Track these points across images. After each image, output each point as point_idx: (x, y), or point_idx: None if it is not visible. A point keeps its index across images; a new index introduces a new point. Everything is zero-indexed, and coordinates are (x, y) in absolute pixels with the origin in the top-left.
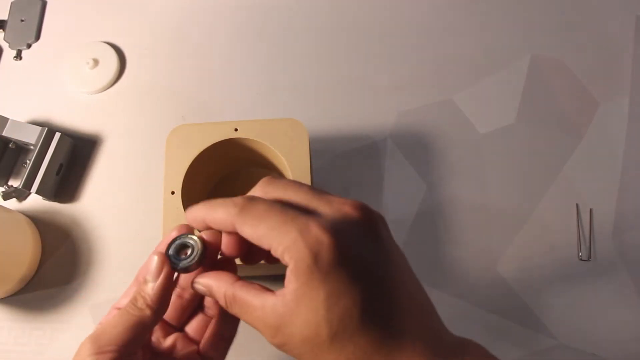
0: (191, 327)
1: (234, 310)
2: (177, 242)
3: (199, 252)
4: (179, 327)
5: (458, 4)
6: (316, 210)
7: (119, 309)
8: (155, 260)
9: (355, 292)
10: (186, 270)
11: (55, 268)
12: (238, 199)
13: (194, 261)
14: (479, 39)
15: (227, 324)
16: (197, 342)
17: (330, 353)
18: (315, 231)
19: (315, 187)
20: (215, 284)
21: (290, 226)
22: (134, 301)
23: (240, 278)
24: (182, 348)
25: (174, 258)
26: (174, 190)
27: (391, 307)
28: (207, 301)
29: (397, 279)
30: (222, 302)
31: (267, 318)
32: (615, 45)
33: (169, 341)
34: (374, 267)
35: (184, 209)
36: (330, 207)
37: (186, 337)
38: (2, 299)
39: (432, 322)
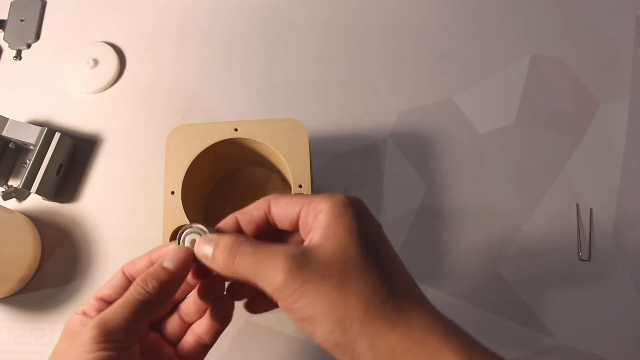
0: (167, 328)
1: (242, 255)
2: (189, 233)
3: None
4: (153, 326)
5: (458, 4)
6: None
7: (100, 299)
8: (181, 249)
9: (379, 232)
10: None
11: (55, 268)
12: None
13: None
14: (479, 39)
15: (210, 331)
16: (171, 344)
17: (359, 272)
18: (332, 194)
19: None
20: (223, 237)
21: (318, 194)
22: (143, 284)
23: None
24: (159, 347)
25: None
26: (173, 190)
27: (398, 259)
28: (185, 307)
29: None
30: (225, 253)
31: (287, 252)
32: (615, 45)
33: (150, 338)
34: (382, 231)
35: (184, 209)
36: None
37: (162, 337)
38: (2, 299)
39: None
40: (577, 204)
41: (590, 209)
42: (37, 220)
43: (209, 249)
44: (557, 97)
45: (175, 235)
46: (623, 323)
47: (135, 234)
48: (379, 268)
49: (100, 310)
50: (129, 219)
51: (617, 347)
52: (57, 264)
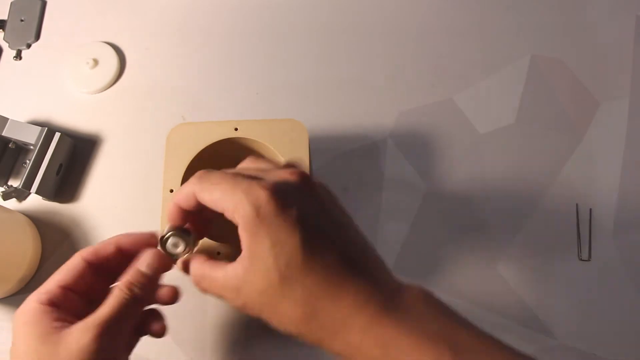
0: None
1: (203, 285)
2: (171, 237)
3: (190, 245)
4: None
5: (458, 4)
6: (263, 177)
7: (65, 287)
8: (154, 255)
9: (296, 237)
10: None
11: (55, 268)
12: (197, 172)
13: (187, 253)
14: (479, 39)
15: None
16: None
17: (283, 299)
18: (257, 190)
19: (275, 161)
20: (192, 266)
21: (237, 189)
22: (128, 291)
23: (210, 258)
24: None
25: (169, 251)
26: (173, 188)
27: (331, 251)
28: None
29: (334, 228)
30: (194, 281)
31: (228, 283)
32: (615, 45)
33: None
34: (311, 216)
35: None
36: (274, 175)
37: None
38: (2, 299)
39: (376, 268)
40: (576, 204)
41: (590, 209)
42: (37, 220)
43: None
44: (557, 97)
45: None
46: (623, 323)
47: None
48: (297, 289)
49: (66, 301)
50: (129, 219)
51: (617, 347)
52: (57, 264)
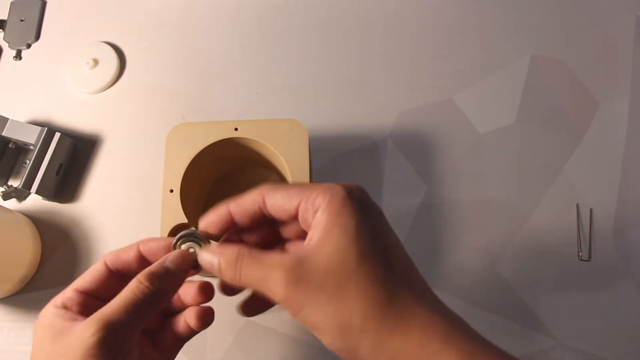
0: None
1: (243, 266)
2: (185, 241)
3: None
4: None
5: (458, 4)
6: None
7: (81, 291)
8: (182, 253)
9: (381, 223)
10: (194, 267)
11: (55, 268)
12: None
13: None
14: (479, 39)
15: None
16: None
17: (357, 277)
18: (339, 184)
19: None
20: (228, 247)
21: (317, 185)
22: (148, 282)
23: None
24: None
25: None
26: (172, 188)
27: (402, 251)
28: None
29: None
30: (227, 265)
31: (283, 261)
32: (615, 45)
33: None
34: (384, 219)
35: (183, 207)
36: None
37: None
38: (2, 299)
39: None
40: (577, 204)
41: (590, 209)
42: (37, 220)
43: (213, 259)
44: (557, 97)
45: (172, 234)
46: (623, 323)
47: (135, 233)
48: (378, 269)
49: (83, 305)
50: (129, 219)
51: (617, 347)
52: (57, 264)
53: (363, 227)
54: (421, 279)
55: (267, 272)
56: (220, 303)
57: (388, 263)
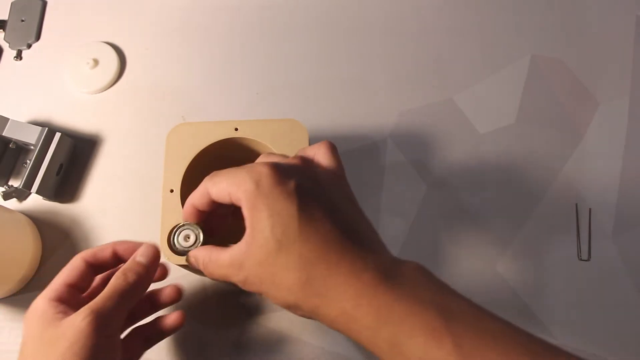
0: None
1: (210, 269)
2: (182, 231)
3: (199, 240)
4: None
5: (458, 4)
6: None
7: (71, 286)
8: (149, 246)
9: (293, 206)
10: (186, 253)
11: (55, 268)
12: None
13: (194, 247)
14: (479, 39)
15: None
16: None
17: (280, 267)
18: (258, 167)
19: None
20: (199, 252)
21: (241, 171)
22: (124, 277)
23: (217, 245)
24: None
25: (179, 244)
26: (173, 188)
27: (329, 221)
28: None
29: (334, 202)
30: (202, 267)
31: (233, 261)
32: (615, 45)
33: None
34: (310, 189)
35: (183, 207)
36: (276, 158)
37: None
38: (2, 299)
39: (375, 242)
40: (576, 204)
41: (590, 209)
42: (37, 220)
43: (195, 263)
44: (557, 97)
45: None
46: (623, 323)
47: (135, 233)
48: (291, 257)
49: (71, 296)
50: (129, 219)
51: (617, 347)
52: (57, 264)
53: (275, 217)
54: (343, 248)
55: (224, 271)
56: (221, 303)
57: (300, 252)
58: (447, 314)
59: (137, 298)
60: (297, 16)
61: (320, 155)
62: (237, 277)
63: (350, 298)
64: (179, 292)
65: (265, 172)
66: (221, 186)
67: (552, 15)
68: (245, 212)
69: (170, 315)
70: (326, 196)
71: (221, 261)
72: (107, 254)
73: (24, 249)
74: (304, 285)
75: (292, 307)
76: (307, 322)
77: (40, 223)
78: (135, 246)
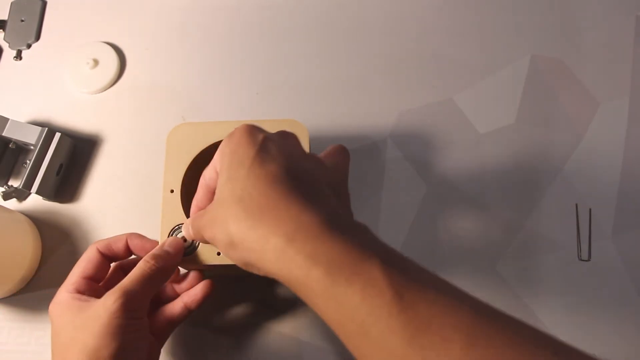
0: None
1: (196, 226)
2: (180, 232)
3: (197, 242)
4: None
5: (458, 4)
6: None
7: (88, 278)
8: (176, 239)
9: (252, 150)
10: (187, 254)
11: (55, 268)
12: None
13: (193, 247)
14: (479, 39)
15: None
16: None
17: (225, 201)
18: (236, 129)
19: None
20: (189, 223)
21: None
22: (154, 261)
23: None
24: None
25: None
26: (173, 188)
27: (283, 168)
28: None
29: (297, 159)
30: (192, 233)
31: (209, 218)
32: (615, 45)
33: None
34: (276, 147)
35: (183, 208)
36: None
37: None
38: (2, 299)
39: (328, 196)
40: (576, 204)
41: (590, 209)
42: (37, 220)
43: (186, 227)
44: (557, 97)
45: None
46: (623, 323)
47: None
48: (239, 210)
49: (89, 288)
50: (129, 219)
51: (617, 347)
52: (57, 264)
53: (234, 160)
54: (290, 191)
55: (207, 232)
56: (221, 304)
57: (244, 185)
58: (389, 265)
59: (162, 283)
60: (297, 16)
61: (328, 151)
62: (209, 236)
63: (283, 234)
64: (210, 285)
65: (239, 128)
66: (209, 166)
67: (552, 15)
68: (217, 165)
69: (195, 288)
70: (293, 155)
71: (204, 222)
72: (121, 245)
73: (24, 249)
74: (243, 218)
75: (231, 247)
76: (308, 323)
77: (40, 223)
78: (147, 243)
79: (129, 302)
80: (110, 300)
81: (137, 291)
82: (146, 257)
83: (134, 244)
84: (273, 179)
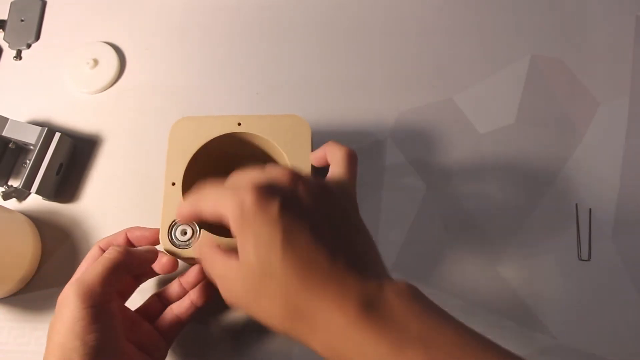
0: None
1: (206, 265)
2: (179, 225)
3: (196, 233)
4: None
5: (458, 4)
6: (251, 179)
7: (100, 248)
8: (151, 248)
9: (277, 232)
10: (184, 247)
11: (55, 268)
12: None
13: (192, 240)
14: (479, 39)
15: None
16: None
17: (265, 295)
18: (242, 191)
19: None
20: (203, 242)
21: (226, 193)
22: (114, 249)
23: (219, 247)
24: (138, 322)
25: (176, 238)
26: (174, 181)
27: (314, 244)
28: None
29: (320, 219)
30: (201, 257)
31: (224, 277)
32: (615, 45)
33: (128, 313)
34: (295, 210)
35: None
36: (262, 174)
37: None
38: (2, 299)
39: (364, 262)
40: (576, 204)
41: (590, 209)
42: (37, 220)
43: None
44: (557, 97)
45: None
46: (623, 323)
47: None
48: (275, 289)
49: None
50: (129, 219)
51: (617, 347)
52: (57, 264)
53: (259, 241)
54: (327, 273)
55: (217, 282)
56: (221, 304)
57: (284, 279)
58: (432, 351)
59: (124, 272)
60: (297, 16)
61: (335, 161)
62: (225, 298)
63: (334, 333)
64: (174, 262)
65: (249, 199)
66: (208, 204)
67: (552, 15)
68: (234, 234)
69: (200, 285)
70: (316, 215)
71: (216, 268)
72: (121, 240)
73: (24, 249)
74: (289, 315)
75: (281, 333)
76: None
77: (40, 223)
78: (146, 232)
79: (83, 291)
80: (66, 292)
81: (93, 279)
82: (112, 247)
83: (134, 236)
84: (310, 268)
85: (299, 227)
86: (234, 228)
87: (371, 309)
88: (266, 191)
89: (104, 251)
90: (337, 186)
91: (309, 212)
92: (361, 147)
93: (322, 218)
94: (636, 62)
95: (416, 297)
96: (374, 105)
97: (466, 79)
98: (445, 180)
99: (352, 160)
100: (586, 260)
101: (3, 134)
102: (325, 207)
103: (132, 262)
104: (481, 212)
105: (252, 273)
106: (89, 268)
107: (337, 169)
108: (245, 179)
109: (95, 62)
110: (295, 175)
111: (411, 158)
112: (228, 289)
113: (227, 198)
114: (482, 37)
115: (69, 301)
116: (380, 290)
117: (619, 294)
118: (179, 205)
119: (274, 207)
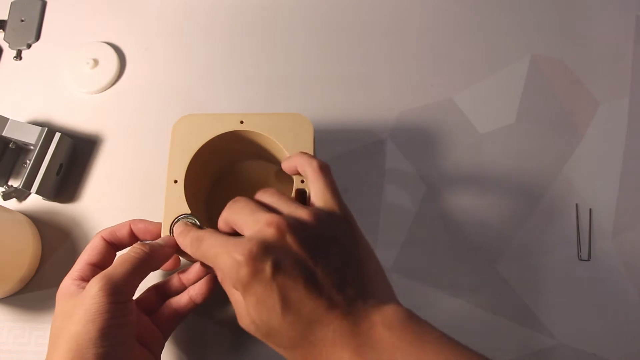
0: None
1: (199, 246)
2: (184, 219)
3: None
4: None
5: (458, 4)
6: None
7: (93, 264)
8: (171, 237)
9: (273, 294)
10: None
11: (55, 268)
12: (194, 232)
13: None
14: (479, 39)
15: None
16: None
17: (273, 344)
18: (234, 256)
19: (280, 195)
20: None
21: (222, 252)
22: (141, 246)
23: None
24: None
25: None
26: (177, 179)
27: (310, 296)
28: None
29: (320, 259)
30: (190, 242)
31: (228, 277)
32: (615, 45)
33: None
34: (289, 264)
35: (186, 198)
36: (269, 196)
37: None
38: (2, 299)
39: (360, 288)
40: (576, 204)
41: (590, 209)
42: (37, 220)
43: (181, 234)
44: (557, 97)
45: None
46: (623, 323)
47: None
48: (298, 324)
49: (93, 274)
50: (129, 219)
51: (617, 347)
52: (57, 264)
53: (260, 306)
54: (326, 320)
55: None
56: (221, 304)
57: (287, 336)
58: None
59: (148, 271)
60: (297, 16)
61: (308, 175)
62: (239, 320)
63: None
64: (177, 261)
65: (243, 264)
66: (208, 253)
67: (552, 15)
68: (234, 288)
69: (200, 282)
70: (308, 263)
71: (214, 246)
72: (125, 231)
73: (24, 249)
74: (294, 358)
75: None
76: None
77: (40, 223)
78: (150, 225)
79: (110, 287)
80: (91, 285)
81: (120, 276)
82: (136, 244)
83: (137, 228)
84: (310, 322)
85: (293, 285)
86: (237, 285)
87: (364, 349)
88: (257, 254)
89: (107, 241)
90: (326, 214)
91: (301, 264)
92: (361, 146)
93: (315, 263)
94: (636, 61)
95: (405, 326)
96: (374, 105)
97: (466, 79)
98: (445, 180)
99: (326, 172)
100: (586, 260)
101: (3, 134)
102: (318, 249)
103: (156, 261)
104: (481, 212)
105: (258, 330)
106: (116, 264)
107: (315, 186)
108: (239, 222)
109: (95, 62)
110: (283, 226)
111: (411, 158)
112: (240, 317)
113: (224, 258)
114: (482, 37)
115: (93, 294)
116: (371, 327)
117: (619, 294)
118: (182, 240)
119: (267, 270)
